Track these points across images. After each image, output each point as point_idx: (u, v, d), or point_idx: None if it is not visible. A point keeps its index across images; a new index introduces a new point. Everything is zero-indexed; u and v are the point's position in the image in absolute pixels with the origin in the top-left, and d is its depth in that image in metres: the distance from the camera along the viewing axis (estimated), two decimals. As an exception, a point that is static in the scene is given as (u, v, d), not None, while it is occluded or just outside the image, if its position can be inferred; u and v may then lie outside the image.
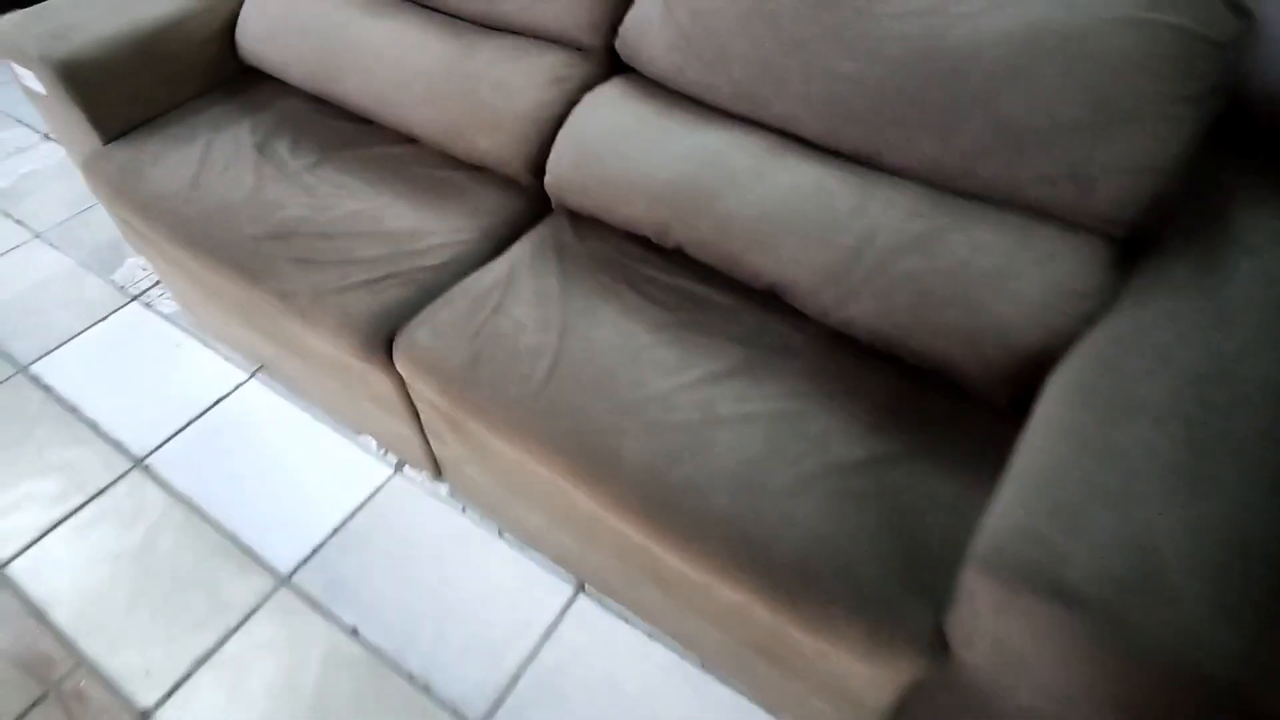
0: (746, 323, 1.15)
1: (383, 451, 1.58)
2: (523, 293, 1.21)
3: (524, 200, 1.41)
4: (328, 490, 1.51)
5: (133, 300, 1.89)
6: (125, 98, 1.54)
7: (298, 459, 1.57)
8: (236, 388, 1.70)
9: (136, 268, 1.97)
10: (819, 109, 1.13)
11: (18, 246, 2.04)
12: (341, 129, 1.57)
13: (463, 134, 1.40)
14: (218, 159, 1.48)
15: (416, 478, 1.53)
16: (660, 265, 1.25)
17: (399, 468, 1.55)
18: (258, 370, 1.73)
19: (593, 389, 1.06)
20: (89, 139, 1.55)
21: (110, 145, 1.53)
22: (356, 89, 1.51)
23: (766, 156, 1.16)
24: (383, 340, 1.20)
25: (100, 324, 1.84)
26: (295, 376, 1.59)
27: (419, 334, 1.17)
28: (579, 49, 1.38)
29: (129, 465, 1.56)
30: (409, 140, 1.53)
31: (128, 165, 1.48)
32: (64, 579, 1.40)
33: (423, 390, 1.19)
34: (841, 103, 1.10)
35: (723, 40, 1.19)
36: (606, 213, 1.27)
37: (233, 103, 1.63)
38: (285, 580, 1.38)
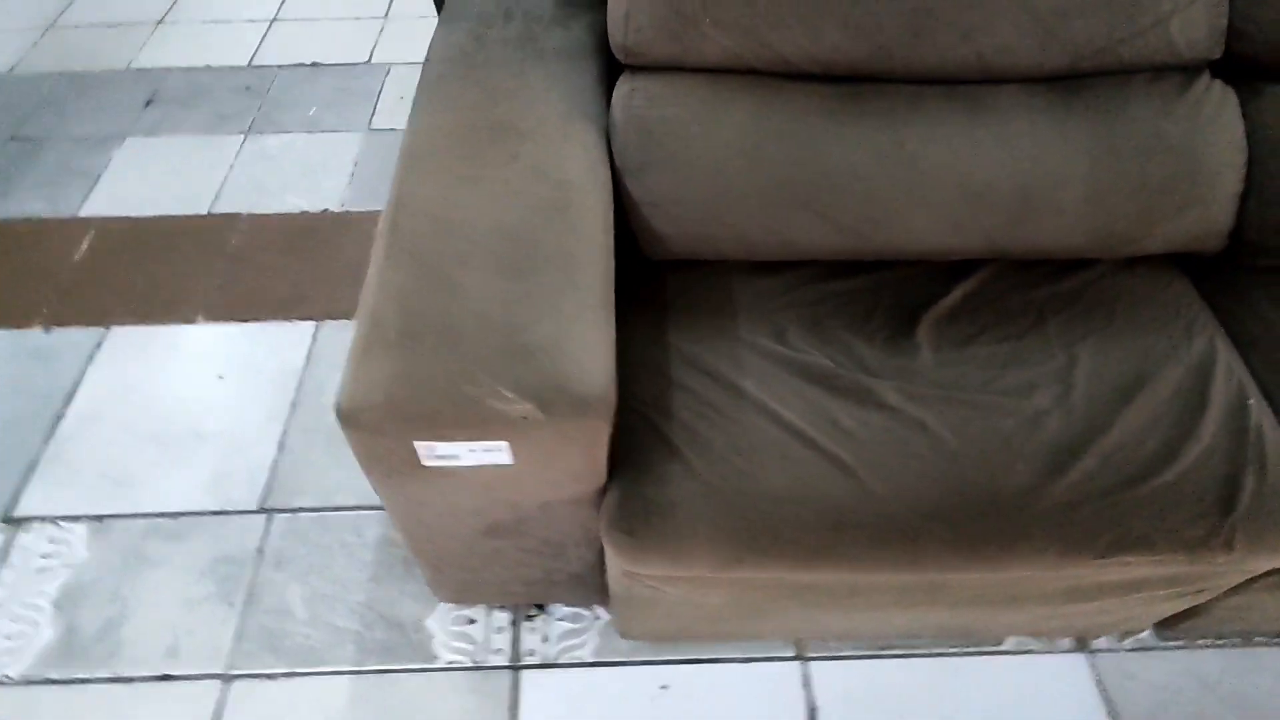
0: None
1: None
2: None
3: (1182, 275, 1.11)
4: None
5: (511, 669, 1.17)
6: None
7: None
8: None
9: (455, 617, 1.21)
10: None
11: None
12: (873, 289, 1.08)
13: (1125, 229, 1.04)
14: (799, 415, 0.92)
15: None
16: None
17: None
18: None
19: None
20: (581, 490, 0.87)
21: (626, 480, 0.87)
22: (912, 226, 1.04)
23: None
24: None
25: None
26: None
27: None
28: (1186, 69, 1.07)
29: None
30: (962, 265, 1.10)
31: (721, 521, 0.85)
32: None
33: None
34: None
35: None
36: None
37: (684, 325, 1.02)
38: None
